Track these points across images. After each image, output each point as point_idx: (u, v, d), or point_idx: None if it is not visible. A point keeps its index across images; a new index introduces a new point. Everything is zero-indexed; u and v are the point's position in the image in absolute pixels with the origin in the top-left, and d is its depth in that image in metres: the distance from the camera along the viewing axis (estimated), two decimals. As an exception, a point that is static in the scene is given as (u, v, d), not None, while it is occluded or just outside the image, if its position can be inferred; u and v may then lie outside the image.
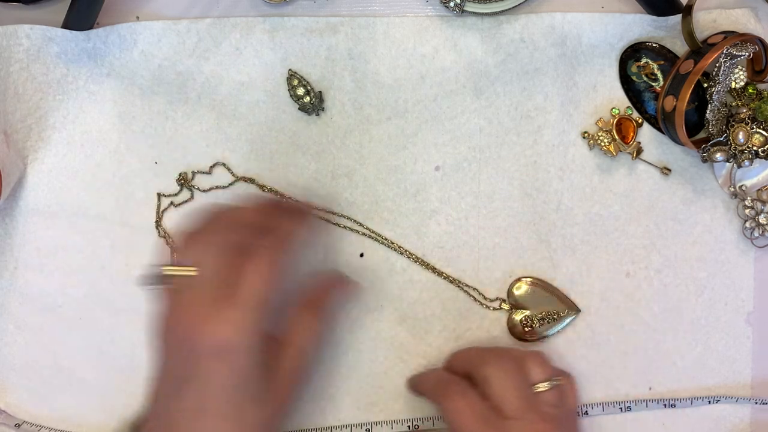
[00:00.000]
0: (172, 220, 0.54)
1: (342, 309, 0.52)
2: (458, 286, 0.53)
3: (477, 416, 0.44)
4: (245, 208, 0.46)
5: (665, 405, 0.52)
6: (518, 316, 0.52)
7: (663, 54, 0.52)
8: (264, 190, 0.54)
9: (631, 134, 0.52)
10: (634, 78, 0.53)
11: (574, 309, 0.53)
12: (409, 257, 0.53)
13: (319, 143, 0.54)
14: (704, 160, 0.51)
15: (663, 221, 0.53)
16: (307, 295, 0.49)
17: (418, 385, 0.51)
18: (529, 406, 0.45)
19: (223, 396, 0.41)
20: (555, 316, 0.52)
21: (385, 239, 0.53)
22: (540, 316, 0.52)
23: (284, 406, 0.44)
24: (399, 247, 0.53)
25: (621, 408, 0.52)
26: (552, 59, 0.53)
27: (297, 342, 0.46)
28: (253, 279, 0.42)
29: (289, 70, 0.53)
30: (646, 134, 0.53)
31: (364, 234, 0.53)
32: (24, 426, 0.53)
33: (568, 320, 0.52)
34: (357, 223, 0.53)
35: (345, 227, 0.53)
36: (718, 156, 0.50)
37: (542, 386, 0.46)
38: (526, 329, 0.52)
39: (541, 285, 0.53)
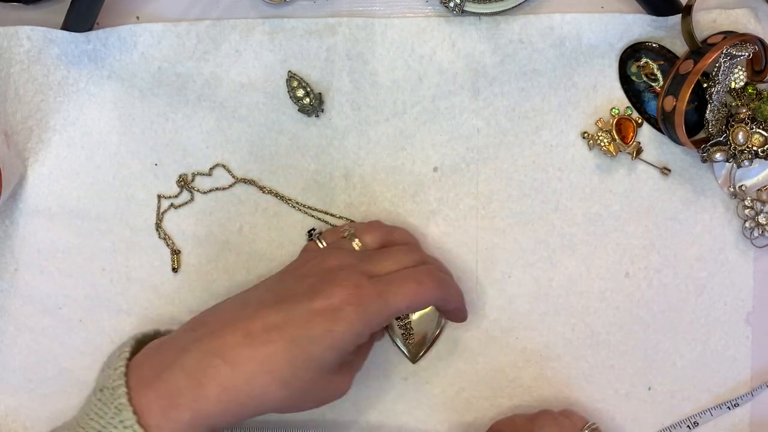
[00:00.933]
0: (172, 221, 0.54)
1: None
2: None
3: None
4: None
5: (689, 426, 0.53)
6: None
7: (663, 54, 0.52)
8: (264, 192, 0.54)
9: (631, 134, 0.52)
10: (633, 78, 0.53)
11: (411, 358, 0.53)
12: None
13: (318, 145, 0.54)
14: (704, 160, 0.50)
15: (662, 221, 0.53)
16: None
17: None
18: None
19: (295, 344, 0.42)
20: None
21: None
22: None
23: (326, 398, 0.46)
24: None
25: None
26: (550, 60, 0.53)
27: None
28: (405, 294, 0.45)
29: (289, 71, 0.53)
30: (646, 134, 0.53)
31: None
32: None
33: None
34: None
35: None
36: (718, 156, 0.50)
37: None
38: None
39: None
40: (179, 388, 0.41)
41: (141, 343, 0.45)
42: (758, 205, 0.52)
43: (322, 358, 0.43)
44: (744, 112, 0.50)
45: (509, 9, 0.52)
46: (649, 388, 0.53)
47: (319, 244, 0.50)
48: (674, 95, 0.49)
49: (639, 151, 0.53)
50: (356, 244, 0.49)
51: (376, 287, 0.44)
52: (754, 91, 0.50)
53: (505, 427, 0.51)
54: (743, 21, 0.52)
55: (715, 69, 0.49)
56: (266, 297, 0.45)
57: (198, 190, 0.54)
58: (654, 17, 0.52)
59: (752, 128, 0.50)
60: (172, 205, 0.54)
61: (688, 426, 0.53)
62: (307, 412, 0.52)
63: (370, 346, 0.50)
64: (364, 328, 0.43)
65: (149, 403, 0.40)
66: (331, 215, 0.54)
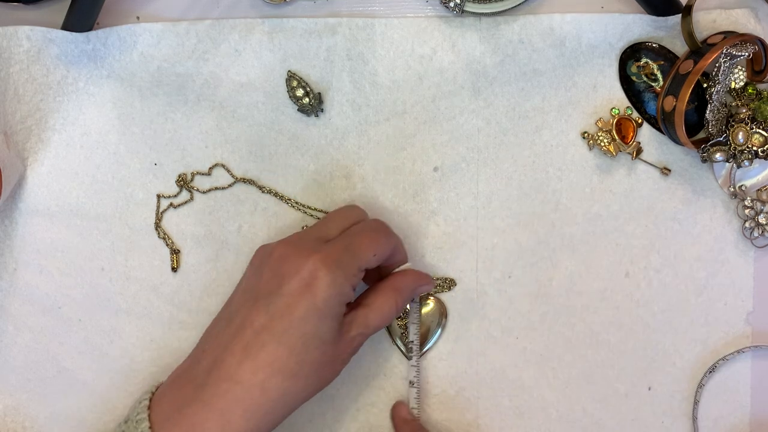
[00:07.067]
0: (172, 221, 0.54)
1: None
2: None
3: None
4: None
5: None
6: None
7: (663, 54, 0.52)
8: (263, 192, 0.54)
9: (631, 134, 0.52)
10: (633, 78, 0.53)
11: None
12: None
13: (318, 144, 0.54)
14: (704, 160, 0.50)
15: (662, 221, 0.53)
16: (395, 279, 0.50)
17: None
18: None
19: (287, 334, 0.43)
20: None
21: None
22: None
23: (343, 361, 0.46)
24: None
25: None
26: (550, 60, 0.53)
27: (371, 315, 0.47)
28: (368, 242, 0.46)
29: (289, 71, 0.53)
30: (646, 134, 0.53)
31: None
32: None
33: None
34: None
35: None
36: (718, 156, 0.50)
37: None
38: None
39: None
40: (203, 422, 0.42)
41: None
42: (758, 205, 0.52)
43: (318, 333, 0.43)
44: (744, 112, 0.50)
45: (509, 9, 0.52)
46: (649, 388, 0.53)
47: None
48: (674, 95, 0.49)
49: (639, 151, 0.53)
50: None
51: (338, 245, 0.45)
52: (754, 91, 0.50)
53: None
54: (743, 21, 0.52)
55: (715, 69, 0.49)
56: (245, 303, 0.45)
57: (197, 190, 0.54)
58: (654, 17, 0.52)
59: (752, 128, 0.50)
60: (171, 204, 0.54)
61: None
62: (308, 412, 0.53)
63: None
64: (344, 284, 0.44)
65: None
66: (331, 215, 0.54)
